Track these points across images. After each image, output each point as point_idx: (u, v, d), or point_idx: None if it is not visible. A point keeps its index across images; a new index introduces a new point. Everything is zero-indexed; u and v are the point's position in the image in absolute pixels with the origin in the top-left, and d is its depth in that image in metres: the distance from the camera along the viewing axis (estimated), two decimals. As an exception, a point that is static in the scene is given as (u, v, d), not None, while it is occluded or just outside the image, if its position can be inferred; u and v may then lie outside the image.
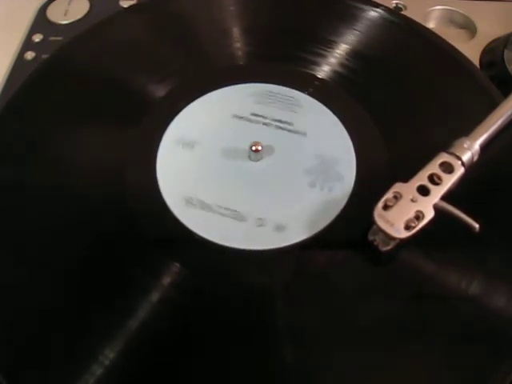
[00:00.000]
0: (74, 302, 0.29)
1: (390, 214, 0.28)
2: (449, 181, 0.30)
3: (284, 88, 0.38)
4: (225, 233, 0.31)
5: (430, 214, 0.29)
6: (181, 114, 0.37)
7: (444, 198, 0.29)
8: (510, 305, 0.29)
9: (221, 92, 0.38)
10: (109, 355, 0.27)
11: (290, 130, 0.36)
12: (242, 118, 0.36)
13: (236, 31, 0.41)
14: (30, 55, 0.44)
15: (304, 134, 0.36)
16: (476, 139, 0.32)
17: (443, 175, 0.30)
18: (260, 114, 0.37)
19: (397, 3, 0.47)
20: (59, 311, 0.29)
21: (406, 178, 0.30)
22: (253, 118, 0.36)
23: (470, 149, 0.31)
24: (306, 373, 0.27)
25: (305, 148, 0.35)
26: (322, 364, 0.28)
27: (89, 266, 0.31)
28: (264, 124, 0.36)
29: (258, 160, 0.34)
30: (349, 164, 0.34)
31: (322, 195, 0.33)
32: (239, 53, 0.40)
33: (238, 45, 0.41)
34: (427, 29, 0.42)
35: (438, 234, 0.29)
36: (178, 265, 0.30)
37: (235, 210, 0.32)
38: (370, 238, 0.30)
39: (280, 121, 0.36)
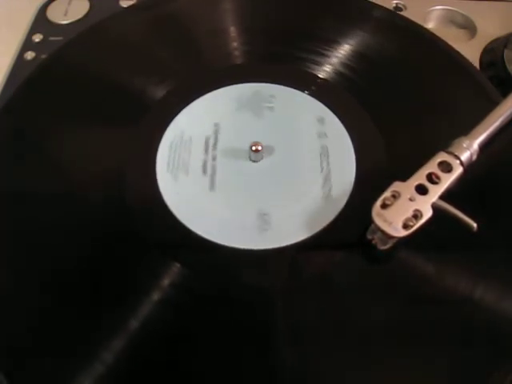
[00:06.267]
0: (75, 302, 0.29)
1: (389, 213, 0.28)
2: (447, 180, 0.30)
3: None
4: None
5: (428, 213, 0.29)
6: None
7: (442, 197, 0.29)
8: (509, 305, 0.29)
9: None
10: (109, 356, 0.27)
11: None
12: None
13: (236, 31, 0.41)
14: (30, 55, 0.44)
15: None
16: (475, 139, 0.32)
17: (442, 174, 0.30)
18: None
19: (397, 3, 0.47)
20: (59, 311, 0.29)
21: (405, 177, 0.30)
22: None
23: (468, 148, 0.31)
24: (306, 372, 0.27)
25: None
26: (322, 364, 0.28)
27: (89, 267, 0.31)
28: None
29: (258, 160, 0.34)
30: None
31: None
32: (239, 52, 0.40)
33: (238, 44, 0.41)
34: (426, 29, 0.42)
35: (436, 234, 0.29)
36: (178, 265, 0.30)
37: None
38: (369, 236, 0.30)
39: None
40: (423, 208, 0.29)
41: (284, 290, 0.30)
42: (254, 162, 0.34)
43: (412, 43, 0.40)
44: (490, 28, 0.45)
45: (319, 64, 0.39)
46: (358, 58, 0.39)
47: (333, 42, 0.40)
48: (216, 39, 0.41)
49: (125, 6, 0.47)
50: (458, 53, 0.39)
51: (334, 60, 0.39)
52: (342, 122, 0.36)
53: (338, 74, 0.38)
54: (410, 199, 0.29)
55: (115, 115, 0.37)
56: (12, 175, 0.34)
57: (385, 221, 0.28)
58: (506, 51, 0.41)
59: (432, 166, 0.30)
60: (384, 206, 0.29)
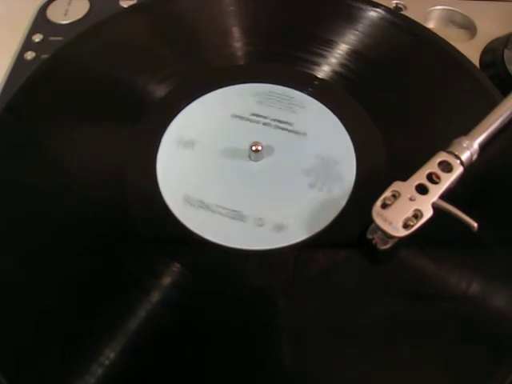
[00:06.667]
0: (74, 302, 0.29)
1: (389, 213, 0.28)
2: (447, 180, 0.30)
3: (284, 88, 0.38)
4: (224, 233, 0.31)
5: (428, 213, 0.29)
6: (181, 113, 0.37)
7: (443, 197, 0.29)
8: (509, 305, 0.29)
9: (221, 92, 0.38)
10: (108, 355, 0.27)
11: (290, 130, 0.36)
12: (242, 118, 0.36)
13: (236, 31, 0.41)
14: (30, 55, 0.44)
15: (304, 135, 0.36)
16: (475, 138, 0.32)
17: (442, 174, 0.30)
18: (260, 114, 0.37)
19: (397, 3, 0.47)
20: (59, 311, 0.29)
21: (405, 177, 0.30)
22: (253, 118, 0.36)
23: (468, 148, 0.31)
24: (306, 373, 0.27)
25: (305, 148, 0.35)
26: (322, 364, 0.28)
27: (89, 266, 0.31)
28: (264, 124, 0.36)
29: (258, 160, 0.34)
30: (349, 164, 0.34)
31: (322, 195, 0.33)
32: (239, 53, 0.40)
33: (238, 45, 0.41)
34: (427, 29, 0.42)
35: (436, 233, 0.29)
36: (177, 265, 0.30)
37: (235, 210, 0.32)
38: (369, 236, 0.30)
39: (280, 121, 0.36)
40: (423, 208, 0.29)
41: (284, 289, 0.30)
42: (254, 161, 0.34)
43: (412, 43, 0.40)
44: (490, 28, 0.45)
45: (319, 64, 0.39)
46: (359, 58, 0.39)
47: (333, 42, 0.40)
48: (216, 39, 0.41)
49: (125, 5, 0.47)
50: (459, 52, 0.39)
51: (334, 60, 0.39)
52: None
53: (337, 74, 0.38)
54: (411, 199, 0.29)
55: (115, 115, 0.37)
56: (12, 175, 0.34)
57: (385, 220, 0.28)
58: (506, 51, 0.41)
59: (432, 166, 0.30)
60: (384, 205, 0.29)
